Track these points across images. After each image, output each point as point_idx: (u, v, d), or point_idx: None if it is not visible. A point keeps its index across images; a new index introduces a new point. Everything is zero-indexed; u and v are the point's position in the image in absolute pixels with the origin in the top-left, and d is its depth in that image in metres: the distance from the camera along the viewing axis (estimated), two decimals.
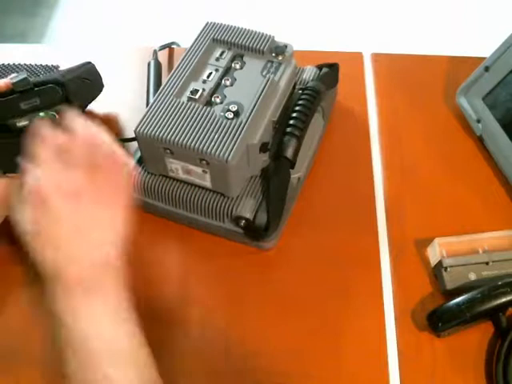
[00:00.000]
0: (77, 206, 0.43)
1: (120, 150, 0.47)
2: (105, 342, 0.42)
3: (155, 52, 0.73)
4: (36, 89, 0.57)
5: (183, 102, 0.55)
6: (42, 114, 0.57)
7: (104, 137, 0.47)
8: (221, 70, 0.59)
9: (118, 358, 0.42)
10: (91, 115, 0.69)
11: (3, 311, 0.56)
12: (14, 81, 0.56)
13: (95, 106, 0.70)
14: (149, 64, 0.71)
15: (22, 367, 0.52)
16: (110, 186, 0.46)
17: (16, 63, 0.76)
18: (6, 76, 0.60)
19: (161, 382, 0.43)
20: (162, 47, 0.76)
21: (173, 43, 0.77)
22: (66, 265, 0.42)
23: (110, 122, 0.70)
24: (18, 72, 0.59)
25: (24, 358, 0.52)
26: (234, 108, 0.54)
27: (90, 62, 0.67)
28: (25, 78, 0.56)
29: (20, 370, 0.52)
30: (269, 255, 0.59)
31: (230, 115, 0.54)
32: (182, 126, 0.53)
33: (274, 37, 0.61)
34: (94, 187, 0.44)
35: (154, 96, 0.65)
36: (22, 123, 0.56)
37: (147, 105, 0.65)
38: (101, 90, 0.68)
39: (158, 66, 0.71)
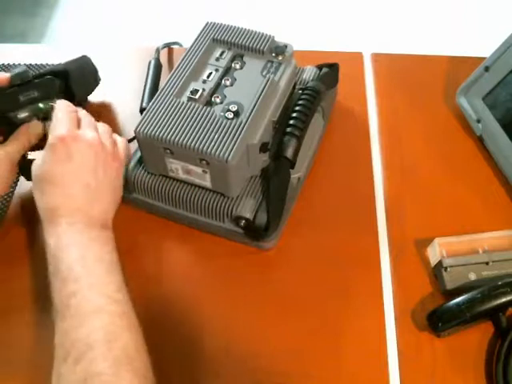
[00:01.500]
0: (89, 152, 0.52)
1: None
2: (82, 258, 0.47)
3: (158, 50, 0.73)
4: (36, 81, 0.57)
5: (183, 102, 0.55)
6: (41, 105, 0.58)
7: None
8: (221, 70, 0.59)
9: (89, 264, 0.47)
10: (91, 113, 0.69)
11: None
12: (13, 73, 0.56)
13: (95, 106, 0.70)
14: (149, 63, 0.71)
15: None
16: (112, 146, 0.55)
17: (16, 63, 0.76)
18: None
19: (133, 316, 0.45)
20: (165, 45, 0.76)
21: (175, 43, 0.77)
22: (62, 202, 0.49)
23: (110, 122, 0.69)
24: None
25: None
26: (234, 108, 0.54)
27: (85, 56, 0.67)
28: (24, 71, 0.56)
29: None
30: (269, 255, 0.59)
31: (230, 115, 0.54)
32: (182, 126, 0.53)
33: (274, 37, 0.61)
34: (104, 146, 0.53)
35: (148, 96, 0.66)
36: (22, 115, 0.57)
37: (141, 104, 0.65)
38: (98, 83, 0.68)
39: (158, 65, 0.71)
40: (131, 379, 0.40)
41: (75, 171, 0.51)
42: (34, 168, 0.52)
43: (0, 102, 0.55)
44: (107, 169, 0.53)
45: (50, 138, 0.51)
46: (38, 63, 0.76)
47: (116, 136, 0.58)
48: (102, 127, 0.56)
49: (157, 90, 0.68)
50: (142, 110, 0.65)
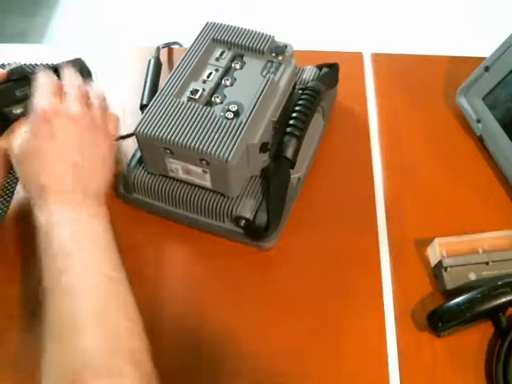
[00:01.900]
0: (73, 128, 0.49)
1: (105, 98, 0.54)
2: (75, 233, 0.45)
3: (158, 49, 0.73)
4: (31, 76, 0.57)
5: (183, 102, 0.55)
6: None
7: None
8: (221, 70, 0.59)
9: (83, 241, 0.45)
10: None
11: None
12: (10, 68, 0.56)
13: None
14: (149, 61, 0.71)
15: None
16: (103, 122, 0.52)
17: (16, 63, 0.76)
18: None
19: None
20: (165, 45, 0.76)
21: (175, 43, 0.77)
22: (50, 180, 0.47)
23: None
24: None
25: None
26: (234, 108, 0.54)
27: (79, 58, 0.67)
28: (20, 66, 0.56)
29: None
30: (269, 255, 0.59)
31: (230, 115, 0.54)
32: (182, 126, 0.53)
33: (274, 37, 0.61)
34: (89, 119, 0.50)
35: (148, 94, 0.66)
36: (17, 111, 0.57)
37: (141, 101, 0.65)
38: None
39: (158, 64, 0.71)
40: (123, 359, 0.39)
41: (59, 150, 0.48)
42: (16, 145, 0.49)
43: None
44: (96, 146, 0.50)
45: (32, 113, 0.48)
46: (38, 63, 0.76)
47: (111, 112, 0.55)
48: (97, 100, 0.53)
49: (157, 86, 0.68)
50: (142, 107, 0.65)
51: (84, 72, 0.66)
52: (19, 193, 0.63)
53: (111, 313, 0.42)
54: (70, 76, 0.53)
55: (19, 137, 0.49)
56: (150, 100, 0.64)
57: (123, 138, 0.63)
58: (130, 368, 0.39)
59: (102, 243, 0.46)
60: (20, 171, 0.49)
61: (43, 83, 0.50)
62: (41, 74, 0.51)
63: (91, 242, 0.45)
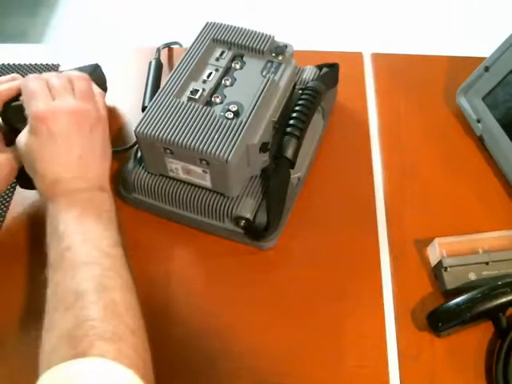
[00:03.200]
0: (69, 122, 0.50)
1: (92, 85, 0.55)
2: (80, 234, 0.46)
3: (158, 50, 0.73)
4: None
5: (183, 102, 0.55)
6: None
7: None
8: (221, 70, 0.59)
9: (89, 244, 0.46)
10: None
11: None
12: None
13: None
14: (150, 63, 0.71)
15: None
16: (93, 105, 0.53)
17: (16, 63, 0.76)
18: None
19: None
20: (165, 45, 0.76)
21: (175, 43, 0.77)
22: (58, 174, 0.49)
23: (110, 122, 0.69)
24: (18, 72, 0.59)
25: None
26: (234, 108, 0.54)
27: (98, 65, 0.67)
28: None
29: None
30: (269, 255, 0.59)
31: (230, 115, 0.54)
32: (182, 126, 0.53)
33: (273, 37, 0.61)
34: (85, 111, 0.51)
35: (150, 95, 0.66)
36: None
37: (143, 103, 0.65)
38: (105, 92, 0.68)
39: (159, 65, 0.71)
40: (117, 325, 0.41)
41: (63, 150, 0.49)
42: (22, 152, 0.51)
43: (10, 114, 0.54)
44: (94, 134, 0.51)
45: (29, 119, 0.49)
46: (38, 63, 0.76)
47: (95, 90, 0.55)
48: (79, 84, 0.53)
49: (158, 88, 0.68)
50: (144, 109, 0.65)
51: (103, 78, 0.67)
52: (19, 194, 0.63)
53: (109, 286, 0.44)
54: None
55: (23, 137, 0.51)
56: None
57: (127, 149, 0.64)
58: (128, 334, 0.41)
59: (105, 223, 0.48)
60: (28, 169, 0.51)
61: (31, 88, 0.51)
62: (28, 80, 0.52)
63: (95, 222, 0.47)
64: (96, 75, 0.66)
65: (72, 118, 0.50)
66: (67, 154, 0.50)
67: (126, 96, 0.71)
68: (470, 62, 0.68)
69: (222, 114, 0.54)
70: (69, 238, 0.45)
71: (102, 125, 0.53)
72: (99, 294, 0.42)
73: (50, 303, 0.43)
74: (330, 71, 0.67)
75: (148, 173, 0.59)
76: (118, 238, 0.48)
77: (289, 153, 0.56)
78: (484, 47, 0.67)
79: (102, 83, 0.68)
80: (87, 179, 0.50)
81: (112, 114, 0.71)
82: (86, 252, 0.45)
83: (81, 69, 0.64)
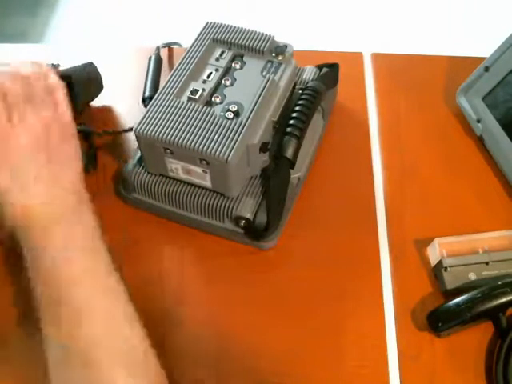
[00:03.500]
0: (34, 133, 0.45)
1: (51, 76, 0.50)
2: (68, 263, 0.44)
3: (158, 49, 0.73)
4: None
5: (183, 102, 0.55)
6: None
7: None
8: (221, 70, 0.59)
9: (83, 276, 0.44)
10: (91, 114, 0.69)
11: None
12: None
13: (95, 105, 0.70)
14: (150, 58, 0.71)
15: None
16: (60, 118, 0.48)
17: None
18: None
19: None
20: (165, 45, 0.76)
21: (175, 43, 0.77)
22: (22, 199, 0.44)
23: (109, 121, 0.70)
24: None
25: None
26: (234, 108, 0.54)
27: (91, 63, 0.67)
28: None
29: None
30: (269, 255, 0.59)
31: (230, 115, 0.54)
32: (182, 126, 0.53)
33: (273, 37, 0.61)
34: (48, 127, 0.46)
35: (150, 87, 0.66)
36: None
37: (143, 99, 0.65)
38: (101, 90, 0.68)
39: (159, 60, 0.71)
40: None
41: (29, 158, 0.45)
42: None
43: None
44: (63, 145, 0.47)
45: None
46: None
47: (53, 81, 0.49)
48: (38, 76, 0.48)
49: (158, 80, 0.68)
50: (144, 100, 0.65)
51: (97, 76, 0.67)
52: None
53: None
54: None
55: None
56: (152, 92, 0.64)
57: (123, 132, 0.64)
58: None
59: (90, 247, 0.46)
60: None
61: None
62: None
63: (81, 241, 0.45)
64: (88, 73, 0.65)
65: (35, 130, 0.45)
66: (34, 163, 0.45)
67: (126, 96, 0.71)
68: (470, 62, 0.68)
69: (222, 114, 0.54)
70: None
71: (65, 120, 0.48)
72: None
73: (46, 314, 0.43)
74: (329, 71, 0.67)
75: (148, 173, 0.59)
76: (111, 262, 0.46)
77: (289, 153, 0.56)
78: (484, 47, 0.67)
79: (96, 81, 0.67)
80: (59, 187, 0.46)
81: (111, 113, 0.71)
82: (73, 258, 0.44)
83: (75, 68, 0.64)
